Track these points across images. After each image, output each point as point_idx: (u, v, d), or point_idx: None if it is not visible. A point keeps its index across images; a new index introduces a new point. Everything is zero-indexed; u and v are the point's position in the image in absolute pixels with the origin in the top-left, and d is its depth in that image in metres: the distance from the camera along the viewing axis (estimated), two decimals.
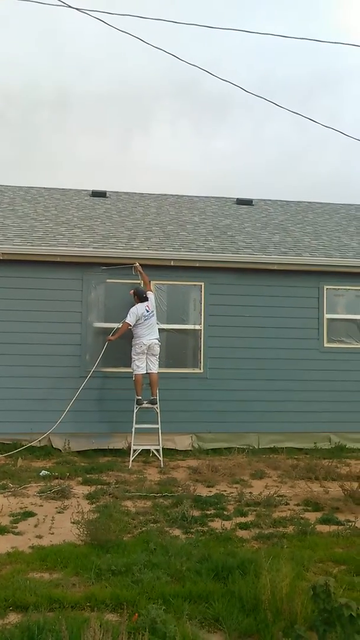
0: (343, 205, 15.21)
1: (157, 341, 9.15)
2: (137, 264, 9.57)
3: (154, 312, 9.24)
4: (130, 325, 9.09)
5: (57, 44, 38.37)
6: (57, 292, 9.80)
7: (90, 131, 40.11)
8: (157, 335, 9.17)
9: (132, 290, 9.39)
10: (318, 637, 3.21)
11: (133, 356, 9.10)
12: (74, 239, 10.34)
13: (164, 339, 9.63)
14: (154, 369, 9.14)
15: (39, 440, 9.36)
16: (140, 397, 9.05)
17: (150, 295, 9.37)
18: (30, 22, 36.94)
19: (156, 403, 9.06)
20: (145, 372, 9.10)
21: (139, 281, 9.71)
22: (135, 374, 9.09)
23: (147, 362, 9.10)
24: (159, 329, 9.33)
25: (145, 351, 9.07)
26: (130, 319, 9.05)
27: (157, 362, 9.19)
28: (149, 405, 9.05)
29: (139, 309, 9.14)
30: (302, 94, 37.18)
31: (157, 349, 9.13)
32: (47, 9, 9.32)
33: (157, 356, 9.17)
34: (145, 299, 9.22)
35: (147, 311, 9.11)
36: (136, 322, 9.07)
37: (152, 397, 9.08)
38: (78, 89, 40.19)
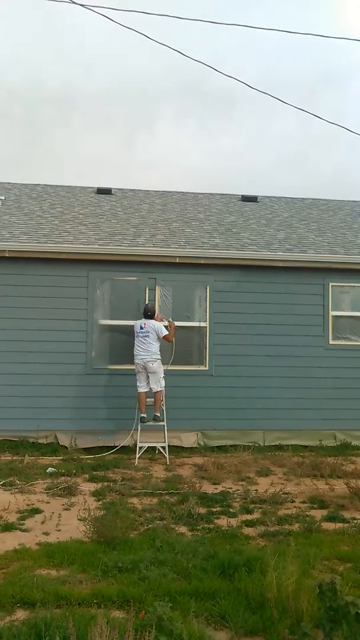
0: (347, 202, 15.17)
1: (149, 358, 8.88)
2: (170, 320, 9.54)
3: (150, 335, 8.92)
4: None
5: (61, 41, 38.35)
6: (63, 290, 9.83)
7: (94, 128, 40.14)
8: (152, 352, 8.88)
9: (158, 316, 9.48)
10: (324, 635, 3.23)
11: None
12: (80, 236, 10.36)
13: None
14: (155, 387, 8.96)
15: (46, 437, 9.41)
16: (144, 415, 8.95)
17: (155, 322, 9.06)
18: (35, 18, 36.90)
19: (160, 419, 8.93)
20: (145, 390, 9.00)
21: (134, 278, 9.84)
22: (137, 392, 9.03)
23: (147, 380, 8.98)
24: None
25: (141, 370, 8.94)
26: None
27: (161, 380, 8.99)
28: (153, 423, 8.93)
29: (135, 324, 9.14)
30: (307, 91, 37.06)
31: (151, 367, 8.88)
32: (51, 5, 9.32)
33: (157, 373, 8.94)
34: (147, 317, 9.09)
35: (141, 329, 8.98)
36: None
37: (156, 415, 8.94)
38: (82, 86, 40.19)
